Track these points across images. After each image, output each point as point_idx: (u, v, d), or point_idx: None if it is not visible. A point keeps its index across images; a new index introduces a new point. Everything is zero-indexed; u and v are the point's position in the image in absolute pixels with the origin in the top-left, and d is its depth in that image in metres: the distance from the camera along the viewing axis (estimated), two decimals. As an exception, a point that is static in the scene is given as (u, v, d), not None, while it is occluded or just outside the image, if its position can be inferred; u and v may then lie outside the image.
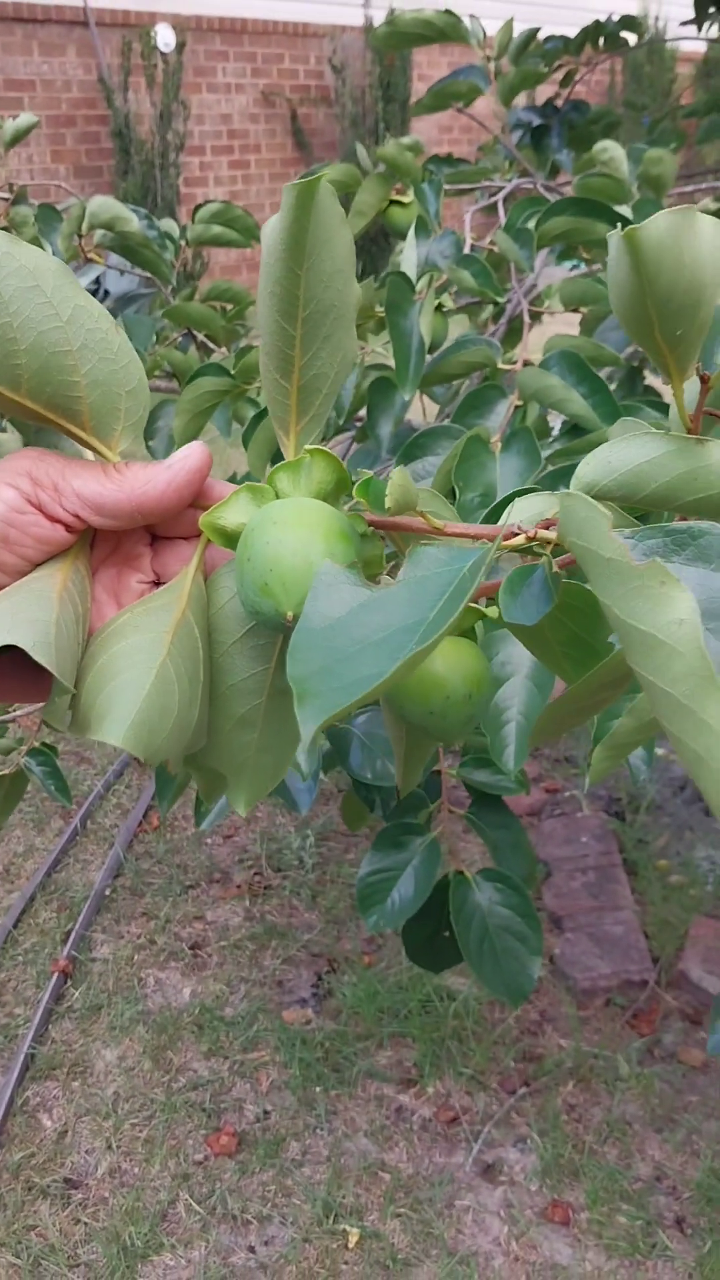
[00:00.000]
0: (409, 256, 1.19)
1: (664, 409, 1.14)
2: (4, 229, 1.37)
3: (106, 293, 5.37)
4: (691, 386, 0.46)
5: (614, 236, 0.40)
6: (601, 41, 2.25)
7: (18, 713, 1.23)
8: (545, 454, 1.11)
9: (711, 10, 2.32)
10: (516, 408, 1.12)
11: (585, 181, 1.26)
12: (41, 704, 0.53)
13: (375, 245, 6.91)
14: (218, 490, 0.48)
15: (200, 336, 1.74)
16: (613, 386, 1.56)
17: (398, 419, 1.31)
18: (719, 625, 0.40)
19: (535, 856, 1.11)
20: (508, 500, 0.50)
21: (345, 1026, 1.96)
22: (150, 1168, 1.72)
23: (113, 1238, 1.61)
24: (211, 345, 1.74)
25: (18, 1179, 1.70)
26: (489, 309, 1.44)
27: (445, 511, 0.51)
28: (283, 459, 0.48)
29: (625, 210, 1.23)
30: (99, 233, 1.65)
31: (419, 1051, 1.90)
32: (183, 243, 1.78)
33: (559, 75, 2.23)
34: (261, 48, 6.90)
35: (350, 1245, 1.60)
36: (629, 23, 2.25)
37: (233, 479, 1.50)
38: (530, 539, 0.46)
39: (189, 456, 0.46)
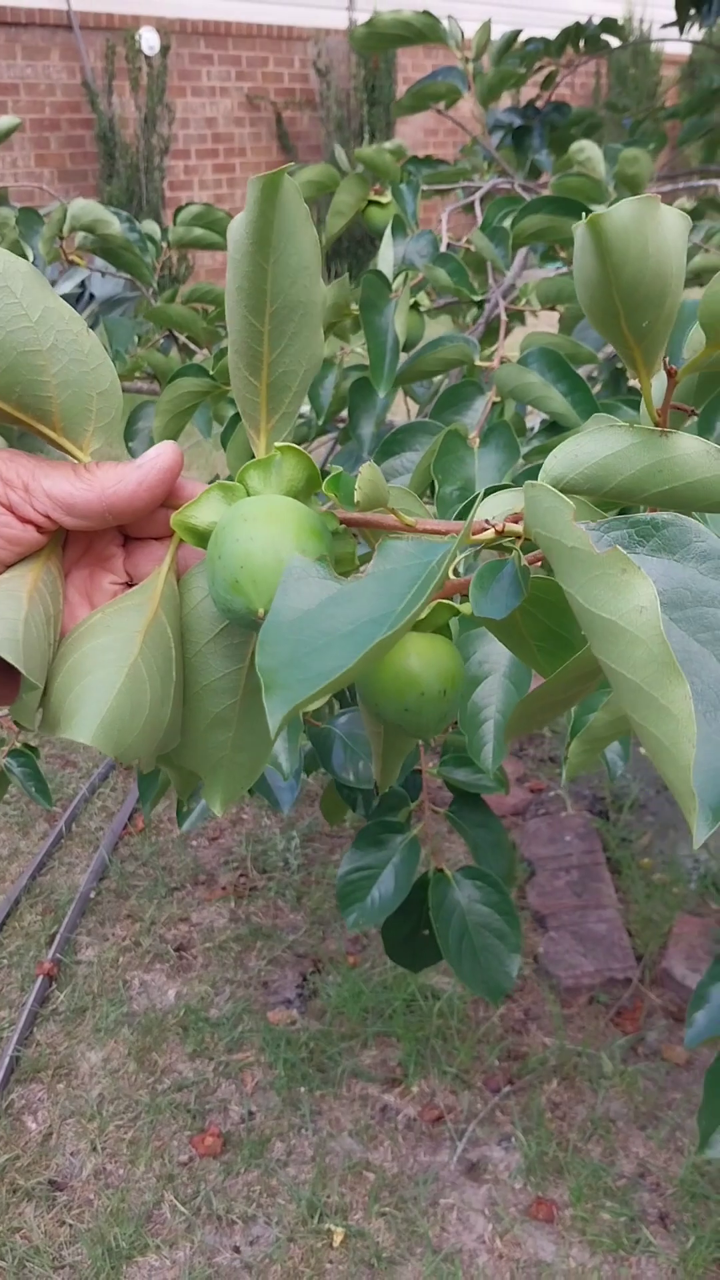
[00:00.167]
0: (385, 255, 1.19)
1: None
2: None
3: (92, 296, 5.36)
4: (659, 381, 0.47)
5: (580, 226, 0.40)
6: (582, 44, 2.26)
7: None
8: (524, 451, 1.11)
9: (692, 12, 2.33)
10: (494, 404, 1.13)
11: (562, 181, 1.27)
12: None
13: (361, 248, 6.92)
14: (189, 490, 0.48)
15: (182, 338, 1.75)
16: (597, 388, 1.57)
17: (379, 419, 1.32)
18: (682, 615, 0.40)
19: (515, 854, 1.11)
20: (477, 497, 0.50)
21: (330, 1027, 1.96)
22: (135, 1169, 1.72)
23: (97, 1239, 1.61)
24: (193, 347, 1.74)
25: (2, 1181, 1.69)
26: (472, 310, 1.44)
27: (416, 508, 0.52)
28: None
29: (602, 209, 1.23)
30: (80, 235, 1.65)
31: (403, 1051, 1.90)
32: (164, 245, 1.78)
33: (541, 77, 2.24)
34: (246, 51, 6.91)
35: (335, 1244, 1.60)
36: (609, 25, 2.26)
37: (215, 480, 1.49)
38: (499, 533, 0.46)
39: (159, 456, 0.46)
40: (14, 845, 2.45)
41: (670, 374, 0.45)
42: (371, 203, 1.44)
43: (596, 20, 2.23)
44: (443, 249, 1.24)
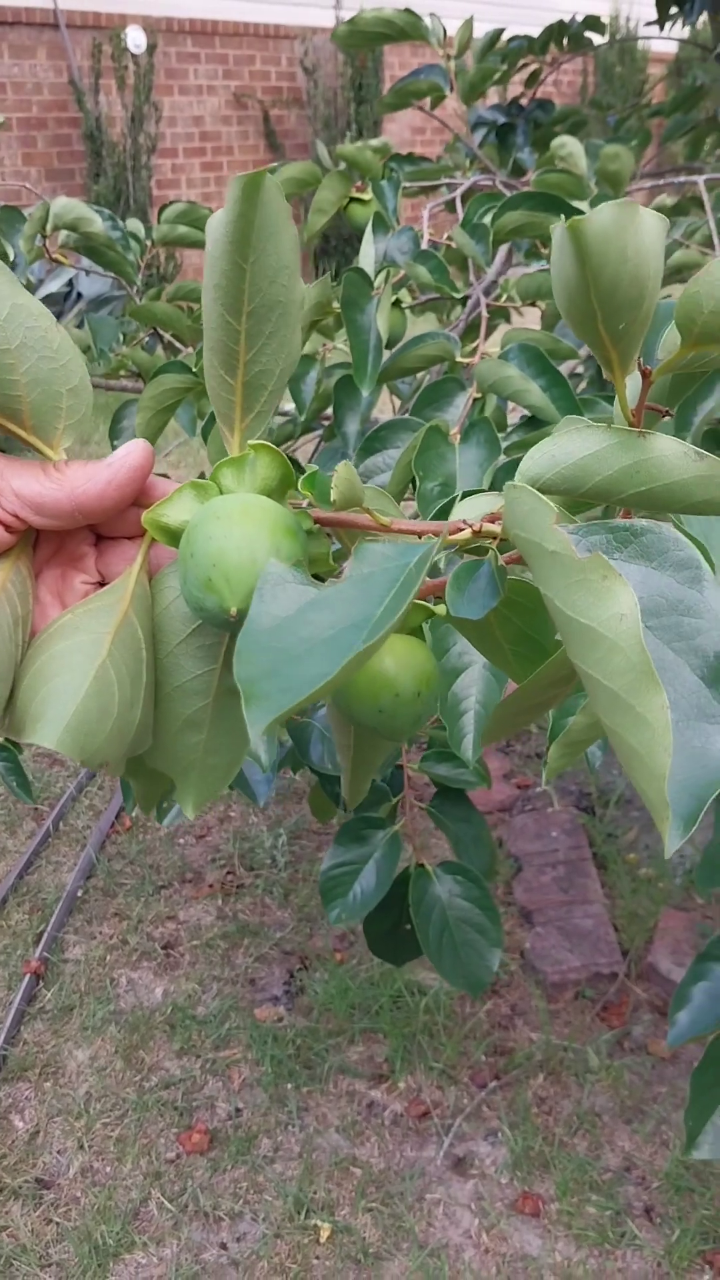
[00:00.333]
0: (367, 252, 1.20)
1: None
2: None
3: (79, 295, 5.35)
4: (634, 381, 0.47)
5: (558, 229, 0.40)
6: (566, 41, 2.26)
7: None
8: (504, 445, 1.11)
9: (674, 10, 2.33)
10: (475, 400, 1.13)
11: (543, 177, 1.27)
12: None
13: (349, 246, 6.92)
14: (161, 488, 0.47)
15: (167, 336, 1.74)
16: (583, 385, 1.58)
17: (364, 416, 1.32)
18: (658, 623, 0.40)
19: (495, 849, 1.12)
20: (455, 499, 0.50)
21: (317, 1023, 1.96)
22: (122, 1166, 1.72)
23: (84, 1237, 1.61)
24: (179, 345, 1.74)
25: (-12, 1180, 1.69)
26: (457, 308, 1.45)
27: (391, 508, 0.52)
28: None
29: (583, 206, 1.24)
30: (64, 234, 1.65)
31: (390, 1047, 1.91)
32: (149, 243, 1.78)
33: (526, 76, 2.24)
34: (233, 49, 6.90)
35: (322, 1240, 1.60)
36: (592, 23, 2.26)
37: (201, 479, 1.49)
38: (476, 533, 0.46)
39: (129, 454, 0.45)
40: (1, 844, 2.45)
41: (645, 374, 0.45)
42: (353, 199, 1.44)
43: (580, 18, 2.23)
44: (424, 246, 1.24)
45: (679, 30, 2.50)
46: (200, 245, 1.76)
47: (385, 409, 2.06)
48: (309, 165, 1.40)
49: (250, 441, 0.47)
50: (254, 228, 0.43)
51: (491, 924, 1.02)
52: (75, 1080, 1.86)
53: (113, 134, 6.38)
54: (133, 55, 6.33)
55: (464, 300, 1.39)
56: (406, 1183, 1.68)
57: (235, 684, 0.34)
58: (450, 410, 1.13)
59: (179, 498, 0.46)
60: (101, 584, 0.48)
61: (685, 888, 2.23)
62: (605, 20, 2.24)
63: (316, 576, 0.49)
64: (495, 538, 0.46)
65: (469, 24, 1.61)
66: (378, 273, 1.20)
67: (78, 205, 1.60)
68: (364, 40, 1.55)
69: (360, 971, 2.06)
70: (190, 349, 1.72)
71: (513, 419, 1.26)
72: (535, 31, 2.20)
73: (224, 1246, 1.60)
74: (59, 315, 5.17)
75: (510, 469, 1.03)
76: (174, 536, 0.46)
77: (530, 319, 1.61)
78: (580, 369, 1.58)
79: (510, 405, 1.24)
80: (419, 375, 1.58)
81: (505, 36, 2.14)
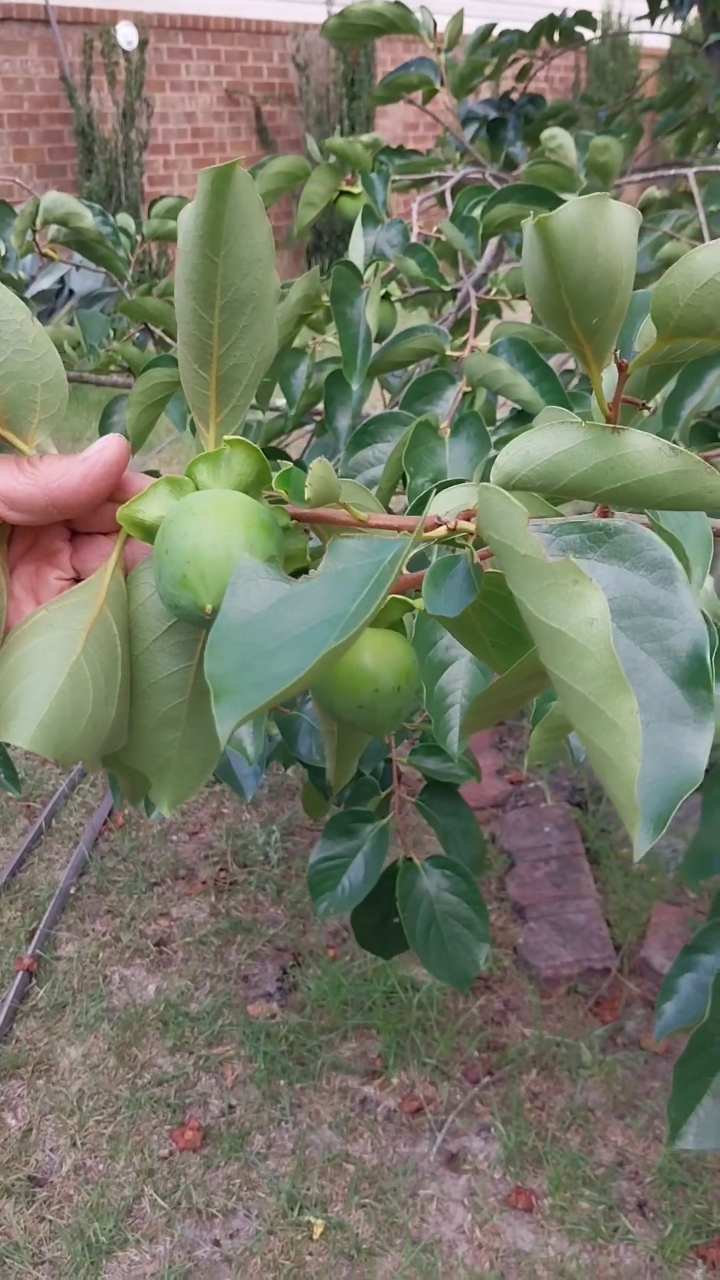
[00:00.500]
0: (356, 246, 1.19)
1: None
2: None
3: (71, 292, 5.34)
4: (611, 374, 0.46)
5: (527, 225, 0.40)
6: (557, 36, 2.26)
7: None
8: (493, 440, 1.11)
9: (664, 5, 2.33)
10: (465, 394, 1.13)
11: (533, 169, 1.26)
12: None
13: (341, 242, 6.91)
14: (137, 483, 0.47)
15: (158, 332, 1.74)
16: (575, 381, 1.58)
17: (355, 411, 1.31)
18: (630, 624, 0.40)
19: (484, 843, 1.12)
20: (431, 492, 0.50)
21: (310, 1019, 1.96)
22: (115, 1164, 1.71)
23: (77, 1234, 1.60)
24: (169, 340, 1.74)
25: (-20, 1178, 1.69)
26: (449, 303, 1.44)
27: (369, 503, 0.51)
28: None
29: (572, 198, 1.23)
30: (54, 229, 1.64)
31: (383, 1043, 1.90)
32: (139, 239, 1.77)
33: (517, 71, 2.24)
34: (225, 45, 6.89)
35: (315, 1236, 1.60)
36: (583, 18, 2.26)
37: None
38: (451, 530, 0.46)
39: (105, 449, 0.45)
40: (-7, 842, 2.44)
41: (621, 368, 0.45)
42: (343, 193, 1.44)
43: (571, 13, 2.23)
44: (414, 239, 1.24)
45: (670, 25, 2.49)
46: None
47: (377, 405, 2.06)
48: (298, 159, 1.40)
49: (226, 437, 0.46)
50: (225, 221, 0.42)
51: (479, 918, 1.01)
52: (68, 1078, 1.86)
53: (104, 130, 6.36)
54: (124, 51, 6.31)
55: (454, 294, 1.39)
56: (400, 1178, 1.68)
57: None
58: (440, 404, 1.13)
59: (154, 493, 0.45)
60: (77, 580, 0.48)
61: (678, 882, 2.23)
62: (596, 15, 2.23)
63: (296, 573, 0.49)
64: (471, 535, 0.45)
65: (459, 17, 1.60)
66: (367, 266, 1.20)
67: (68, 200, 1.60)
68: (354, 33, 1.55)
69: (353, 968, 2.06)
70: (180, 344, 1.71)
71: (502, 413, 1.26)
72: (527, 26, 2.20)
73: (217, 1243, 1.60)
74: (51, 312, 5.16)
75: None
76: (149, 532, 0.45)
77: (521, 313, 1.61)
78: (572, 364, 1.58)
79: (500, 399, 1.24)
80: (410, 370, 1.58)
81: (496, 31, 2.14)
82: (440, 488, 0.49)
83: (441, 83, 1.64)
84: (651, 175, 1.46)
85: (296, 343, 1.39)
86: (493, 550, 0.40)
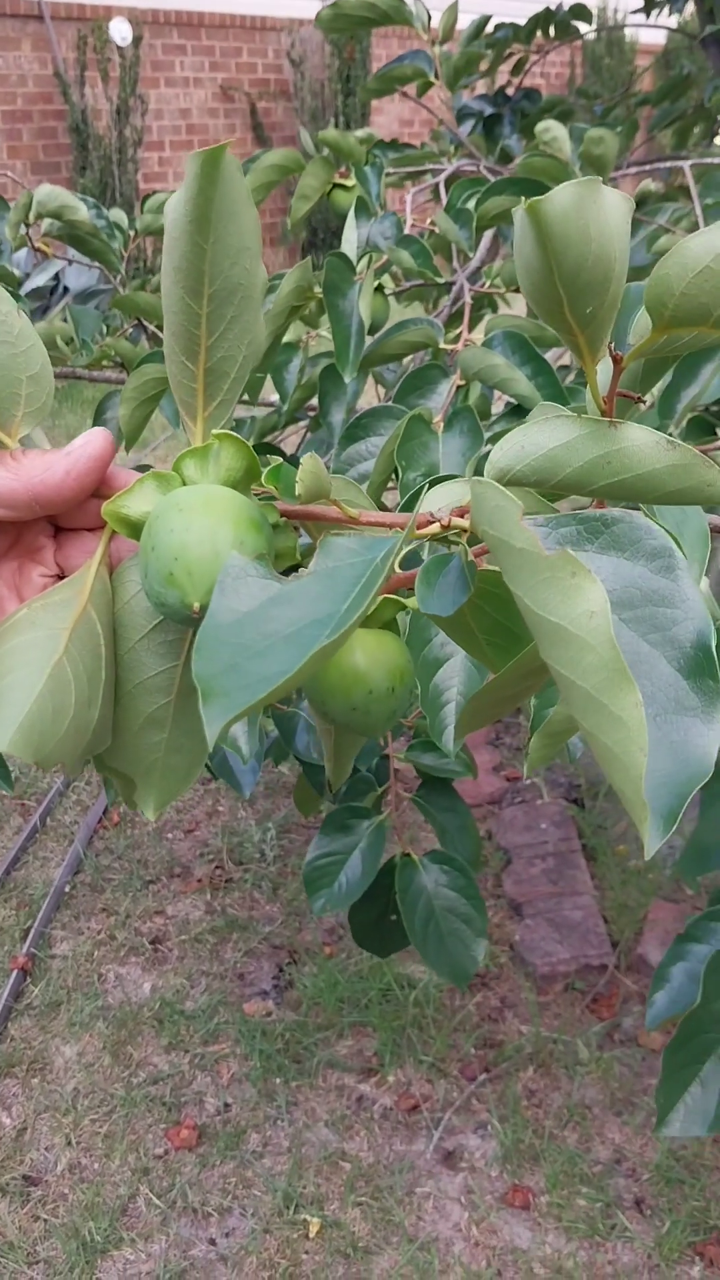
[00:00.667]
0: (349, 238, 1.18)
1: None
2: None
3: (66, 289, 5.33)
4: (605, 367, 0.46)
5: (518, 211, 0.39)
6: (552, 30, 2.25)
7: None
8: (487, 435, 1.10)
9: (659, -2, 2.33)
10: (459, 388, 1.12)
11: (527, 161, 1.26)
12: None
13: (336, 239, 6.90)
14: (122, 478, 0.46)
15: (151, 327, 1.73)
16: (572, 376, 1.57)
17: (349, 405, 1.30)
18: (632, 615, 0.39)
19: (480, 839, 1.11)
20: (423, 488, 0.49)
21: (306, 1017, 1.95)
22: (110, 1163, 1.71)
23: (72, 1233, 1.60)
24: (163, 336, 1.73)
25: (-25, 1177, 1.68)
26: (444, 297, 1.43)
27: (360, 499, 0.50)
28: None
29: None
30: (48, 223, 1.64)
31: (379, 1040, 1.90)
32: (132, 233, 1.77)
33: (512, 65, 2.23)
34: (219, 41, 6.87)
35: (311, 1235, 1.59)
36: (579, 11, 2.25)
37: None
38: (445, 527, 0.45)
39: (89, 443, 0.44)
40: (-12, 840, 2.43)
41: (616, 360, 0.44)
42: (337, 186, 1.43)
43: (567, 6, 2.22)
44: (407, 231, 1.23)
45: (665, 18, 2.49)
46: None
47: (371, 402, 2.05)
48: (291, 152, 1.39)
49: (214, 431, 0.45)
50: (214, 206, 0.41)
51: (477, 914, 1.01)
52: (63, 1076, 1.85)
53: (98, 127, 6.35)
54: (118, 47, 6.30)
55: (448, 287, 1.38)
56: (396, 1176, 1.67)
57: None
58: (433, 398, 1.12)
59: (140, 489, 0.44)
60: (60, 577, 0.47)
61: (675, 879, 2.23)
62: (592, 9, 2.22)
63: (287, 571, 0.48)
64: (465, 531, 0.45)
65: (453, 8, 1.60)
66: (360, 258, 1.19)
67: (62, 193, 1.59)
68: (347, 24, 1.54)
69: (349, 965, 2.05)
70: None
71: (497, 408, 1.25)
72: (522, 20, 2.19)
73: (213, 1242, 1.59)
74: (45, 309, 5.14)
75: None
76: (135, 529, 0.44)
77: (517, 306, 1.60)
78: (568, 359, 1.57)
79: (495, 393, 1.23)
80: (405, 364, 1.57)
81: (492, 25, 2.13)
82: (433, 484, 0.48)
83: (436, 76, 1.64)
84: (647, 168, 1.45)
85: (289, 336, 1.38)
86: (488, 545, 0.39)
